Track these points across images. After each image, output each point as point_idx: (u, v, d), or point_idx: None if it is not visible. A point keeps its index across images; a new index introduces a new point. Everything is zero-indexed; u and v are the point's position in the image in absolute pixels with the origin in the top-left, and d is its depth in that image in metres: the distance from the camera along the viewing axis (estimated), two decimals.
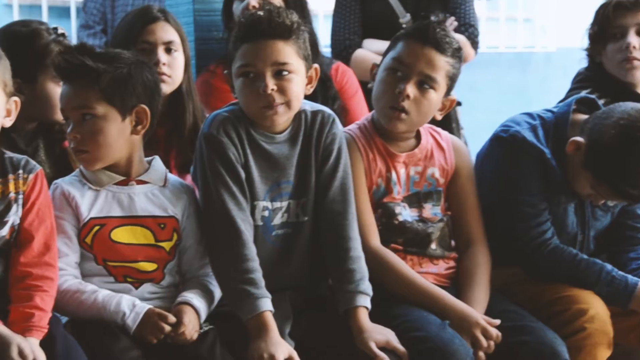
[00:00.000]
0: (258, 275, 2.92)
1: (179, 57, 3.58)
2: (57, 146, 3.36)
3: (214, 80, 3.98)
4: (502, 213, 3.37)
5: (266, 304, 2.89)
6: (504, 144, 3.38)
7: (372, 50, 4.33)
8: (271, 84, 2.94)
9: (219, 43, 4.16)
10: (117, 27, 3.69)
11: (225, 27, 4.07)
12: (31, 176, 2.84)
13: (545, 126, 3.39)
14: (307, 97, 3.10)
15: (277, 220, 3.08)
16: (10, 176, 2.81)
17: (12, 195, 2.80)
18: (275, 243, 3.08)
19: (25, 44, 3.20)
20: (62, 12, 6.63)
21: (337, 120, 3.15)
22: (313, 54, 3.57)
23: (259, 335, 2.85)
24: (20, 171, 2.83)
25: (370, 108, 3.79)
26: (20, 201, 2.82)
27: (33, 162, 2.87)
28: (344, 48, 4.42)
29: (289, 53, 2.97)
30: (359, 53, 4.39)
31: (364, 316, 2.97)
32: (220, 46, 4.12)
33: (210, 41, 4.24)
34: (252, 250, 2.95)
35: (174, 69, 3.58)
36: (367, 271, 3.04)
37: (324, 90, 3.92)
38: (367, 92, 3.94)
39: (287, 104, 2.98)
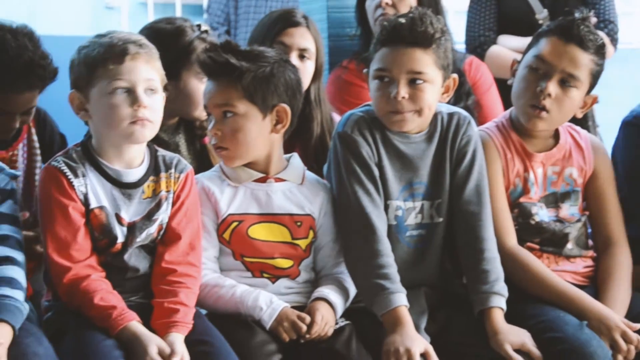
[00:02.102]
0: (392, 270, 2.93)
1: (309, 66, 3.58)
2: (198, 142, 3.42)
3: (347, 75, 4.00)
4: (635, 202, 3.31)
5: (401, 299, 2.89)
6: (630, 128, 3.33)
7: (507, 46, 4.28)
8: (403, 92, 2.95)
9: (351, 40, 4.17)
10: (258, 24, 3.71)
11: (358, 24, 4.08)
12: (182, 175, 2.89)
13: None
14: None
15: (411, 220, 3.08)
16: (163, 175, 2.86)
17: (163, 193, 2.85)
18: (409, 244, 3.08)
19: (170, 40, 3.26)
20: (195, 9, 6.72)
21: (473, 122, 3.14)
22: None
23: (395, 330, 2.86)
24: (172, 170, 2.88)
25: (505, 104, 3.77)
26: (170, 200, 2.86)
27: (184, 162, 2.92)
28: (478, 44, 4.38)
29: (426, 62, 2.97)
30: (494, 50, 4.35)
31: (499, 317, 2.95)
32: (353, 43, 4.14)
33: (343, 38, 4.26)
34: (386, 245, 2.96)
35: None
36: (502, 272, 3.01)
37: (458, 86, 3.89)
38: (502, 89, 3.92)
39: (418, 112, 2.99)
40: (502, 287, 2.98)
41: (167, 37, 3.26)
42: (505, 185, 3.19)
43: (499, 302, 2.97)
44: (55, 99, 3.38)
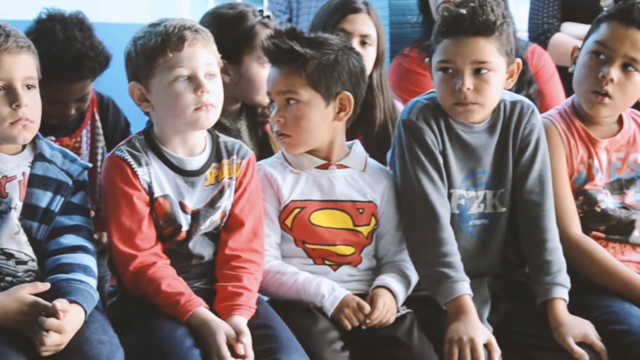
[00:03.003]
0: (456, 258, 2.93)
1: (371, 52, 3.58)
2: (259, 129, 3.43)
3: (408, 63, 3.98)
4: None
5: (465, 287, 2.89)
6: None
7: (571, 34, 4.25)
8: (468, 82, 2.94)
9: (413, 27, 4.16)
10: (318, 12, 3.71)
11: (420, 11, 4.06)
12: (244, 162, 2.89)
13: None
14: None
15: (474, 209, 3.07)
16: (225, 161, 2.87)
17: (225, 180, 2.86)
18: (472, 233, 3.07)
19: (232, 25, 3.28)
20: None
21: (537, 111, 3.11)
22: None
23: (458, 318, 2.85)
24: (234, 156, 2.88)
25: (568, 92, 3.73)
26: (233, 187, 2.87)
27: (246, 148, 2.92)
28: (542, 32, 4.34)
29: (490, 51, 2.95)
30: (557, 37, 4.32)
31: (561, 308, 2.93)
32: (415, 30, 4.13)
33: (404, 25, 4.25)
34: (450, 234, 2.95)
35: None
36: (565, 262, 2.99)
37: (520, 74, 3.86)
38: (564, 77, 3.88)
39: (482, 104, 2.98)
40: (564, 278, 2.96)
41: (229, 22, 3.28)
42: (569, 172, 3.16)
43: (562, 294, 2.94)
44: (117, 88, 3.41)
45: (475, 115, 3.01)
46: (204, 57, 2.77)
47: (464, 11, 2.95)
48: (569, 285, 2.96)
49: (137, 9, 5.11)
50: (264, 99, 3.30)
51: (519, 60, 3.05)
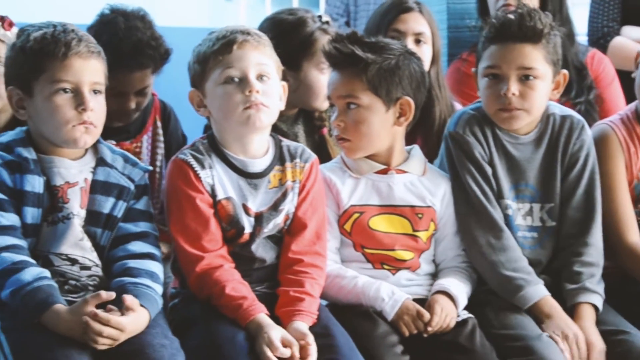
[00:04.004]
0: (526, 262, 2.97)
1: (426, 50, 3.58)
2: (316, 133, 3.44)
3: (466, 68, 3.96)
4: None
5: (543, 289, 2.93)
6: None
7: (631, 37, 4.21)
8: (513, 88, 2.96)
9: (471, 31, 4.15)
10: (372, 14, 3.72)
11: (479, 15, 4.05)
12: (307, 165, 2.90)
13: None
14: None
15: (520, 221, 3.08)
16: (288, 164, 2.88)
17: (289, 183, 2.87)
18: (523, 245, 3.07)
19: (292, 31, 3.28)
20: (313, 1, 6.73)
21: (587, 126, 3.12)
22: (570, 43, 3.51)
23: (552, 316, 2.89)
24: (298, 160, 2.89)
25: (628, 97, 3.69)
26: (296, 190, 2.88)
27: (309, 151, 2.94)
28: (601, 35, 4.31)
29: (536, 57, 2.97)
30: (617, 41, 4.28)
31: (585, 313, 2.95)
32: (473, 34, 4.11)
33: (463, 29, 4.24)
34: (513, 240, 2.99)
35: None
36: (599, 276, 3.00)
37: (580, 79, 3.85)
38: (624, 81, 3.85)
39: (527, 110, 2.99)
40: (595, 284, 2.98)
41: (288, 28, 3.29)
42: (628, 179, 3.16)
43: (590, 298, 2.95)
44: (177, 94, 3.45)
45: (520, 122, 3.02)
46: (254, 58, 2.79)
47: (511, 17, 2.97)
48: (600, 291, 2.97)
49: (196, 15, 5.16)
50: (323, 105, 3.31)
51: (565, 71, 3.06)
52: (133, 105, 3.32)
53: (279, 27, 3.24)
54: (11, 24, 3.18)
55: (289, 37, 3.18)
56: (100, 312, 2.51)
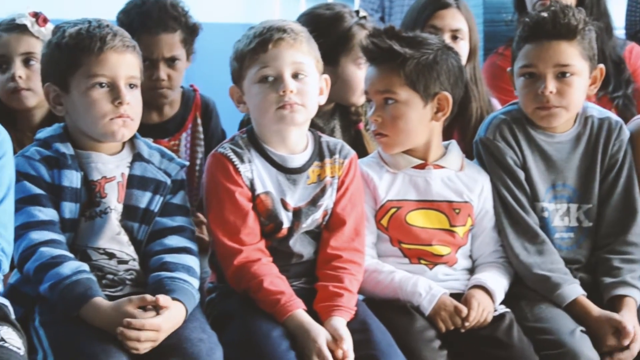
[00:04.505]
0: (561, 265, 2.97)
1: (463, 46, 3.56)
2: (352, 128, 3.43)
3: (502, 62, 3.95)
4: None
5: (578, 288, 2.93)
6: None
7: None
8: (551, 86, 2.96)
9: (507, 25, 4.13)
10: (409, 10, 3.71)
11: (515, 10, 4.04)
12: (346, 161, 2.90)
13: None
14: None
15: (557, 222, 3.07)
16: (327, 160, 2.88)
17: (327, 179, 2.87)
18: (560, 246, 3.07)
19: (329, 26, 3.27)
20: None
21: (624, 126, 3.11)
22: (607, 37, 3.49)
23: (584, 315, 2.90)
24: (337, 155, 2.89)
25: None
26: (335, 185, 2.87)
27: (348, 147, 2.93)
28: (639, 30, 4.29)
29: (573, 54, 2.97)
30: None
31: (628, 305, 2.94)
32: (510, 28, 4.10)
33: (499, 23, 4.23)
34: (548, 242, 2.99)
35: None
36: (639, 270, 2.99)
37: (617, 73, 3.83)
38: None
39: (565, 107, 2.99)
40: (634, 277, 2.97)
41: (326, 23, 3.29)
42: None
43: (627, 291, 2.95)
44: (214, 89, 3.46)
45: (559, 119, 3.02)
46: (290, 57, 2.78)
47: (545, 15, 2.97)
48: (637, 285, 2.97)
49: (230, 10, 5.16)
50: (360, 100, 3.31)
51: (601, 66, 3.05)
52: (163, 75, 3.34)
53: (316, 22, 3.23)
54: (45, 20, 3.21)
55: (326, 32, 3.17)
56: (133, 320, 2.51)
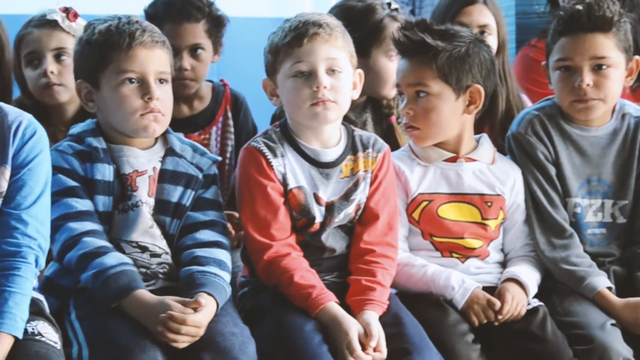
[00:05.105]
0: (586, 259, 2.96)
1: (491, 42, 3.52)
2: (384, 120, 3.43)
3: (535, 53, 3.95)
4: None
5: (605, 280, 2.92)
6: None
7: None
8: (587, 79, 2.95)
9: (540, 17, 4.11)
10: (437, 6, 3.71)
11: (547, 1, 4.02)
12: (380, 155, 2.89)
13: None
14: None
15: (590, 217, 3.06)
16: (360, 154, 2.86)
17: (360, 173, 2.85)
18: (592, 241, 3.06)
19: (361, 18, 3.27)
20: None
21: None
22: None
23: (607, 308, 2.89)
24: (370, 150, 2.88)
25: None
26: (368, 180, 2.86)
27: (381, 141, 2.92)
28: None
29: (609, 46, 2.96)
30: None
31: None
32: (542, 20, 4.08)
33: (531, 15, 4.21)
34: (575, 237, 2.99)
35: None
36: None
37: None
38: None
39: (602, 99, 2.98)
40: None
41: (357, 15, 3.28)
42: None
43: None
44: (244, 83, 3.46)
45: (596, 112, 3.01)
46: (324, 52, 2.76)
47: (580, 7, 2.96)
48: None
49: (260, 3, 5.16)
50: (391, 92, 3.30)
51: (638, 57, 3.04)
52: (186, 64, 3.34)
53: (347, 15, 3.22)
54: (76, 15, 3.23)
55: (357, 24, 3.16)
56: (175, 314, 2.52)
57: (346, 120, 3.02)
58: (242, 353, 2.55)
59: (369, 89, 3.32)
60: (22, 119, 2.56)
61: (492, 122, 3.48)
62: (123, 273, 2.58)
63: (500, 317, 2.82)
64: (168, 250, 2.75)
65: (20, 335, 2.42)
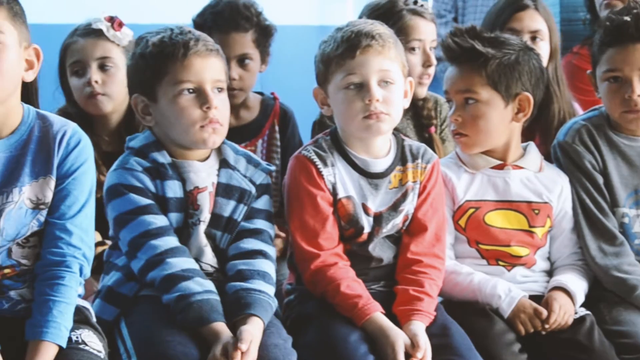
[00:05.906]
0: (638, 268, 2.94)
1: (543, 47, 3.52)
2: (425, 130, 3.42)
3: (578, 60, 3.93)
4: None
5: None
6: None
7: None
8: (638, 90, 2.94)
9: (584, 24, 4.09)
10: (488, 13, 3.69)
11: (587, 10, 4.01)
12: (429, 166, 2.87)
13: None
14: None
15: (638, 228, 3.04)
16: (409, 165, 2.85)
17: (409, 184, 2.83)
18: (639, 252, 3.03)
19: (383, 14, 3.24)
20: None
21: None
22: None
23: None
24: (419, 160, 2.86)
25: None
26: (417, 190, 2.85)
27: (431, 152, 2.90)
28: None
29: None
30: None
31: None
32: (586, 27, 4.06)
33: (576, 22, 4.20)
34: (627, 245, 2.97)
35: None
36: None
37: None
38: None
39: None
40: None
41: (380, 11, 3.29)
42: None
43: None
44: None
45: None
46: (377, 64, 2.74)
47: (627, 18, 2.95)
48: None
49: (303, 11, 5.17)
50: (420, 91, 3.31)
51: None
52: (234, 74, 3.34)
53: (372, 12, 3.26)
54: (121, 25, 3.23)
55: (381, 19, 3.16)
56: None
57: None
58: None
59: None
60: (67, 128, 2.55)
61: (545, 129, 3.45)
62: (208, 302, 2.57)
63: (547, 326, 2.81)
64: (218, 267, 2.73)
65: (64, 344, 2.43)
